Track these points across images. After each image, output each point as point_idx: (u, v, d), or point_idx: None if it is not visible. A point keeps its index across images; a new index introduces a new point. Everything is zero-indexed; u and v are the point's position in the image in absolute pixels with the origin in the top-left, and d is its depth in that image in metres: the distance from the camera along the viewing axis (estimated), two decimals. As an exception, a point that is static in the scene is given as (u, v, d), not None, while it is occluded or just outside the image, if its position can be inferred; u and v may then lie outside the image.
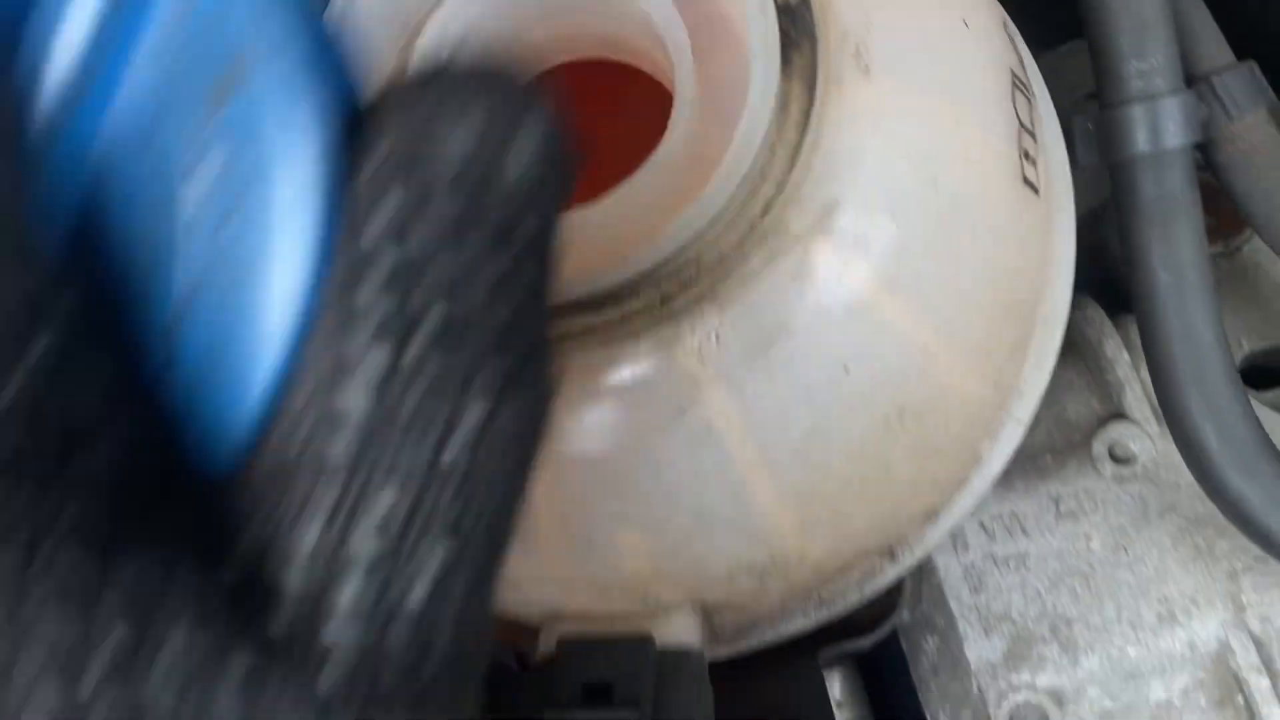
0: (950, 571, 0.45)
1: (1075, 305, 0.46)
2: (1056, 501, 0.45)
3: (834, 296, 0.27)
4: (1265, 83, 0.41)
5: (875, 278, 0.28)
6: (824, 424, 0.29)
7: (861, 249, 0.27)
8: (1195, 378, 0.39)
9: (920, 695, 0.47)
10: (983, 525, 0.45)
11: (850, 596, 0.36)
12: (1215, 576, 0.44)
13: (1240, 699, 0.43)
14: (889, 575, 0.36)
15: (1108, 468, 0.45)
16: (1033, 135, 0.32)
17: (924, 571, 0.45)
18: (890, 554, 0.35)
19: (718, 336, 0.27)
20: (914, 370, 0.29)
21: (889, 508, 0.33)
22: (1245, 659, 0.43)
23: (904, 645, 0.47)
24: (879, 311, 0.28)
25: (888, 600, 0.44)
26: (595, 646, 0.31)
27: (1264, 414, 0.49)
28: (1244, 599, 0.43)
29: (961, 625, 0.44)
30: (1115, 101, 0.39)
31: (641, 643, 0.31)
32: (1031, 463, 0.46)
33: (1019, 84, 0.32)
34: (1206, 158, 0.41)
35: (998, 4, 0.34)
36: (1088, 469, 0.45)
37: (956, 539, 0.45)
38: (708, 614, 0.33)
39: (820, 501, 0.30)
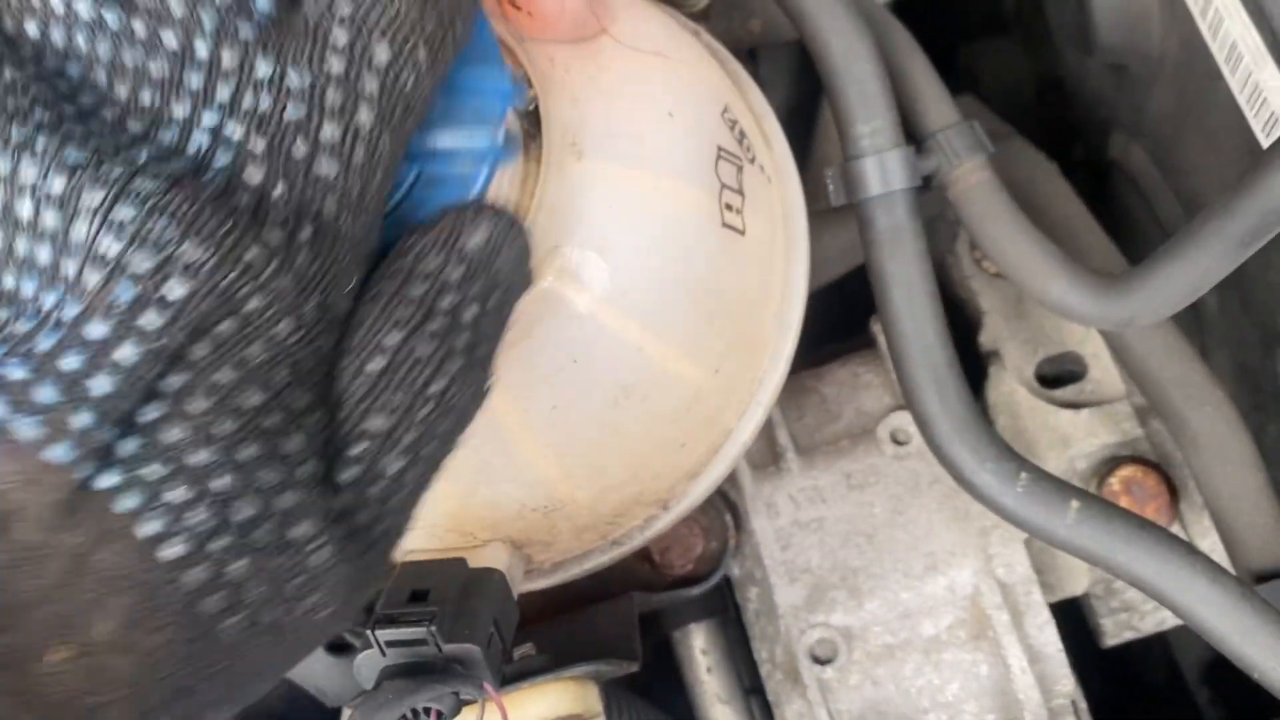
0: (765, 534, 0.56)
1: (873, 319, 0.57)
2: (848, 476, 0.56)
3: (559, 309, 0.39)
4: (984, 137, 0.52)
5: (589, 296, 0.40)
6: (563, 400, 0.40)
7: (577, 277, 0.39)
8: (924, 367, 0.49)
9: (750, 637, 0.57)
10: (791, 496, 0.56)
11: (636, 538, 0.47)
12: (969, 533, 0.54)
13: (991, 633, 0.53)
14: (666, 520, 0.47)
15: (889, 448, 0.55)
16: (738, 192, 0.44)
17: (745, 534, 0.56)
18: (664, 505, 0.47)
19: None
20: (631, 362, 0.41)
21: (648, 466, 0.45)
22: (992, 599, 0.53)
23: (736, 595, 0.58)
24: (596, 319, 0.40)
25: (715, 559, 0.56)
26: (422, 566, 0.43)
27: (1051, 410, 0.59)
28: (991, 551, 0.54)
29: (773, 577, 0.55)
30: (852, 155, 0.50)
31: (455, 563, 0.43)
32: (832, 445, 0.57)
33: (725, 155, 0.43)
34: (943, 194, 0.52)
35: (725, 96, 0.46)
36: (874, 449, 0.56)
37: (769, 507, 0.56)
38: (519, 548, 0.45)
39: (575, 457, 0.42)
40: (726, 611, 0.61)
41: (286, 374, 0.29)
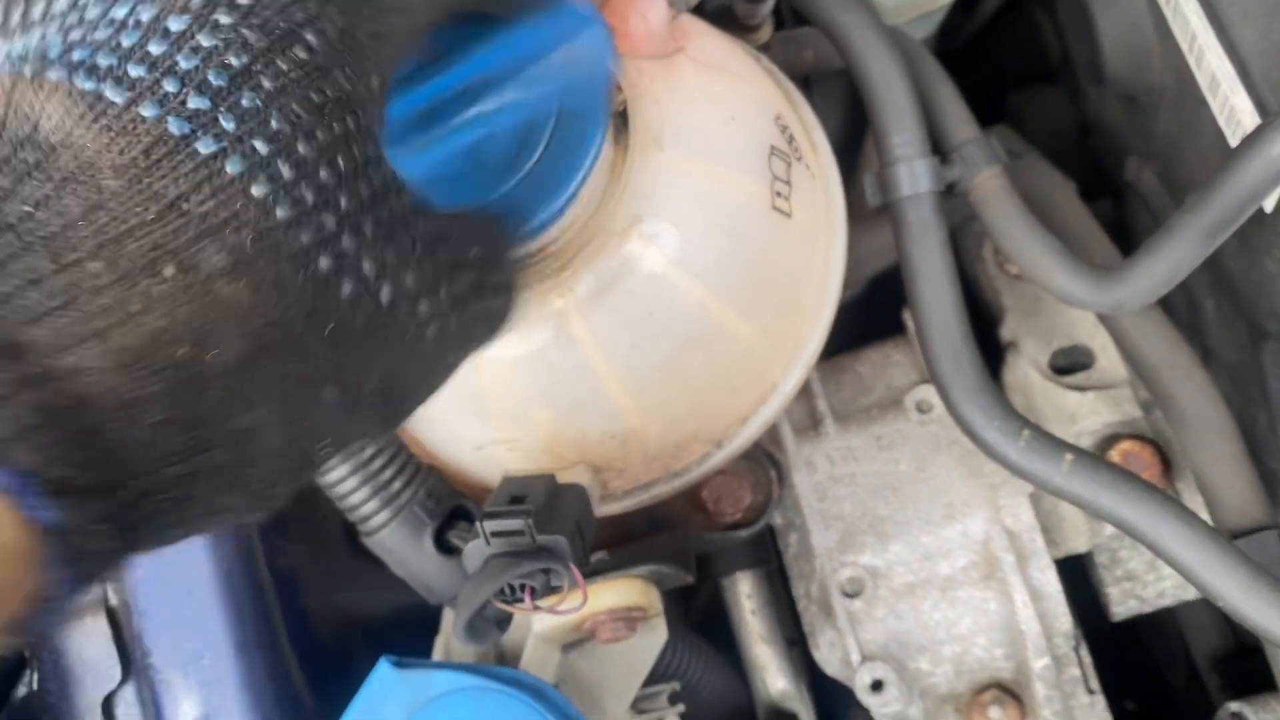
0: (805, 487, 0.65)
1: (904, 308, 0.66)
2: (878, 439, 0.65)
3: (638, 268, 0.49)
4: (1000, 150, 0.61)
5: (664, 259, 0.49)
6: (640, 344, 0.50)
7: (655, 242, 0.49)
8: (943, 339, 0.58)
9: (790, 578, 0.66)
10: (828, 455, 0.65)
11: (694, 471, 0.56)
12: (981, 488, 0.62)
13: (999, 574, 0.61)
14: (719, 457, 0.56)
15: (914, 416, 0.64)
16: (787, 183, 0.53)
17: (786, 488, 0.65)
18: (718, 443, 0.56)
19: (574, 288, 0.49)
20: (695, 316, 0.51)
21: (707, 407, 0.54)
22: (1000, 545, 0.61)
23: (779, 542, 0.67)
24: (668, 279, 0.50)
25: (760, 509, 0.65)
26: (520, 479, 0.53)
27: (1061, 391, 0.67)
28: (1000, 503, 0.62)
29: (811, 524, 0.64)
30: (888, 162, 0.60)
31: (547, 478, 0.52)
32: (865, 413, 0.66)
33: (777, 152, 0.53)
34: (966, 199, 0.62)
35: (778, 107, 0.56)
36: (901, 416, 0.65)
37: (809, 465, 0.65)
38: (598, 472, 0.55)
39: (647, 393, 0.52)
40: (770, 564, 0.70)
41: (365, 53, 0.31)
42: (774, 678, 0.69)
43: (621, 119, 0.50)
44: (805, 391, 0.66)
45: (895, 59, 0.59)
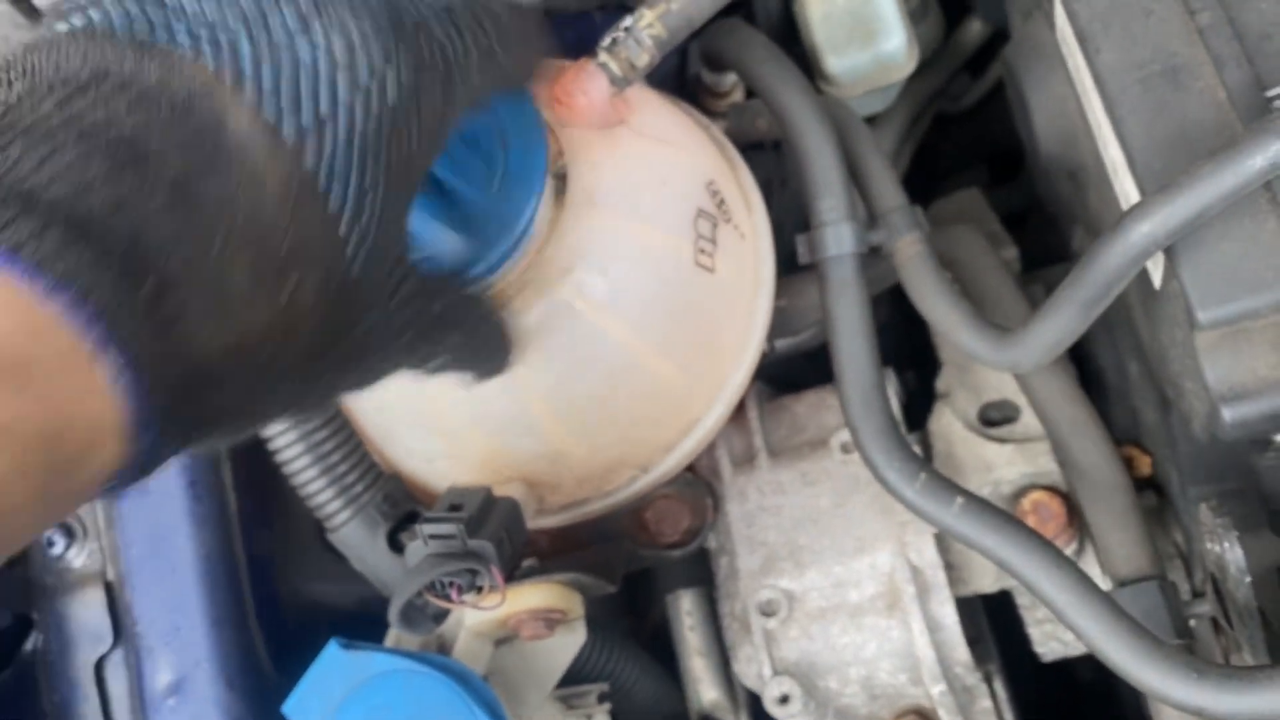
0: (735, 515, 0.71)
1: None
2: (804, 474, 0.71)
3: (569, 311, 0.56)
4: (921, 217, 0.67)
5: (592, 304, 0.57)
6: (568, 377, 0.57)
7: (584, 289, 0.56)
8: (857, 387, 0.64)
9: (718, 597, 0.72)
10: (758, 487, 0.71)
11: (623, 493, 0.63)
12: (891, 524, 0.68)
13: (901, 604, 0.67)
14: (645, 481, 0.63)
15: (838, 455, 0.70)
16: (711, 241, 0.60)
17: (721, 514, 0.72)
18: (644, 469, 0.63)
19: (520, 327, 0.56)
20: (619, 355, 0.58)
21: (631, 435, 0.61)
22: (903, 577, 0.67)
23: (711, 564, 0.73)
24: (596, 322, 0.57)
25: (696, 532, 0.71)
26: (460, 490, 0.60)
27: (981, 442, 0.73)
28: (906, 539, 0.68)
29: (738, 548, 0.70)
30: (815, 224, 0.66)
31: (483, 490, 0.59)
32: (796, 451, 0.72)
33: (704, 215, 0.60)
34: (889, 260, 0.68)
35: (713, 173, 0.63)
36: (826, 455, 0.71)
37: (741, 494, 0.71)
38: (533, 488, 0.62)
39: (575, 421, 0.59)
40: (709, 584, 0.76)
41: None
42: (707, 689, 0.75)
43: (562, 180, 0.57)
44: (744, 428, 0.73)
45: (827, 130, 0.65)
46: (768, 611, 0.68)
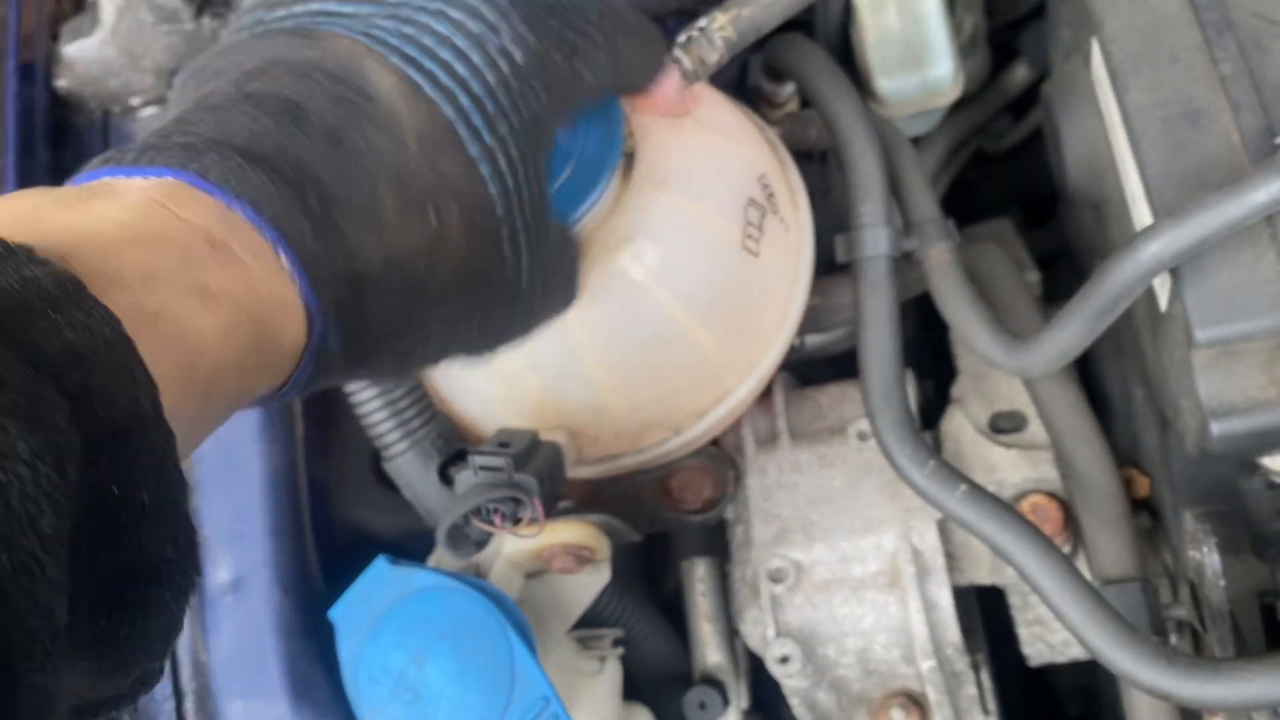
0: (754, 489, 0.77)
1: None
2: (822, 457, 0.76)
3: (625, 276, 0.62)
4: (953, 229, 0.73)
5: (646, 272, 0.63)
6: (619, 335, 0.63)
7: (641, 258, 0.62)
8: (879, 377, 0.70)
9: (731, 564, 0.78)
10: (778, 465, 0.77)
11: (655, 452, 0.69)
12: (899, 509, 0.73)
13: (901, 582, 0.72)
14: (675, 443, 0.69)
15: (854, 442, 0.76)
16: (758, 229, 0.66)
17: (741, 488, 0.77)
18: (677, 431, 0.69)
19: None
20: (665, 321, 0.64)
21: (669, 398, 0.67)
22: (905, 558, 0.72)
23: (727, 533, 0.78)
24: (647, 288, 0.63)
25: (716, 502, 0.77)
26: (510, 431, 0.66)
27: (988, 445, 0.78)
28: (911, 524, 0.73)
29: (754, 519, 0.76)
30: (854, 226, 0.72)
31: (531, 433, 0.65)
32: (816, 436, 0.78)
33: (754, 204, 0.66)
34: (920, 266, 0.73)
35: (765, 168, 0.69)
36: (844, 442, 0.76)
37: (761, 470, 0.77)
38: (575, 437, 0.67)
39: (620, 375, 0.65)
40: (722, 555, 0.82)
41: None
42: (712, 652, 0.80)
43: (630, 159, 0.63)
44: (769, 410, 0.78)
45: (873, 140, 0.71)
46: (776, 578, 0.73)
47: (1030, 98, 1.04)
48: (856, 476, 0.75)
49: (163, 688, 0.68)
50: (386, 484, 0.73)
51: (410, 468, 0.68)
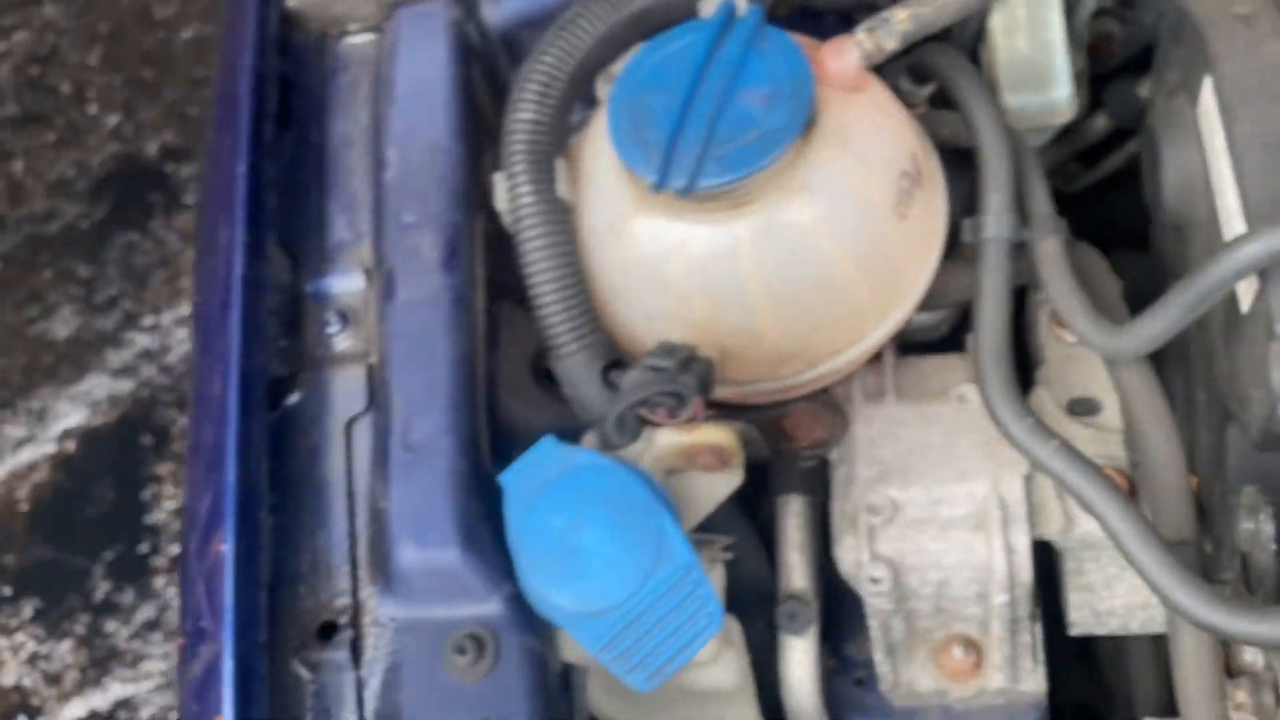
0: (861, 435, 0.87)
1: (968, 335, 0.88)
2: (923, 414, 0.86)
3: (797, 219, 0.73)
4: (1064, 226, 0.84)
5: (815, 215, 0.73)
6: (783, 269, 0.74)
7: (812, 205, 0.73)
8: (990, 345, 0.80)
9: (831, 499, 0.88)
10: (884, 417, 0.87)
11: (789, 380, 0.79)
12: (990, 465, 0.83)
13: (987, 525, 0.82)
14: (809, 375, 0.79)
15: (954, 404, 0.86)
16: (908, 197, 0.77)
17: (848, 435, 0.87)
18: (811, 364, 0.79)
19: (752, 218, 0.73)
20: (826, 267, 0.74)
21: (814, 333, 0.77)
22: (992, 504, 0.82)
23: (830, 474, 0.88)
24: (814, 231, 0.73)
25: (824, 444, 0.87)
26: (672, 344, 0.76)
27: (1065, 422, 0.88)
28: (1000, 477, 0.83)
29: (859, 460, 0.86)
30: (982, 211, 0.83)
31: (691, 347, 0.75)
32: (918, 396, 0.88)
33: (906, 175, 0.77)
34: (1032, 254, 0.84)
35: (914, 149, 0.79)
36: (944, 403, 0.86)
37: (868, 419, 0.87)
38: (724, 359, 0.78)
39: (779, 306, 0.75)
40: (819, 496, 0.91)
41: None
42: (798, 578, 0.90)
43: (811, 122, 0.74)
44: (878, 370, 0.89)
45: (1007, 139, 0.82)
46: (875, 512, 0.83)
47: (1104, 146, 1.14)
48: (954, 433, 0.85)
49: (338, 528, 0.78)
50: (541, 382, 0.83)
51: (576, 367, 0.78)
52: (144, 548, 2.14)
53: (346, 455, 0.79)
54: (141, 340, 2.30)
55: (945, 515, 0.83)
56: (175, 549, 2.12)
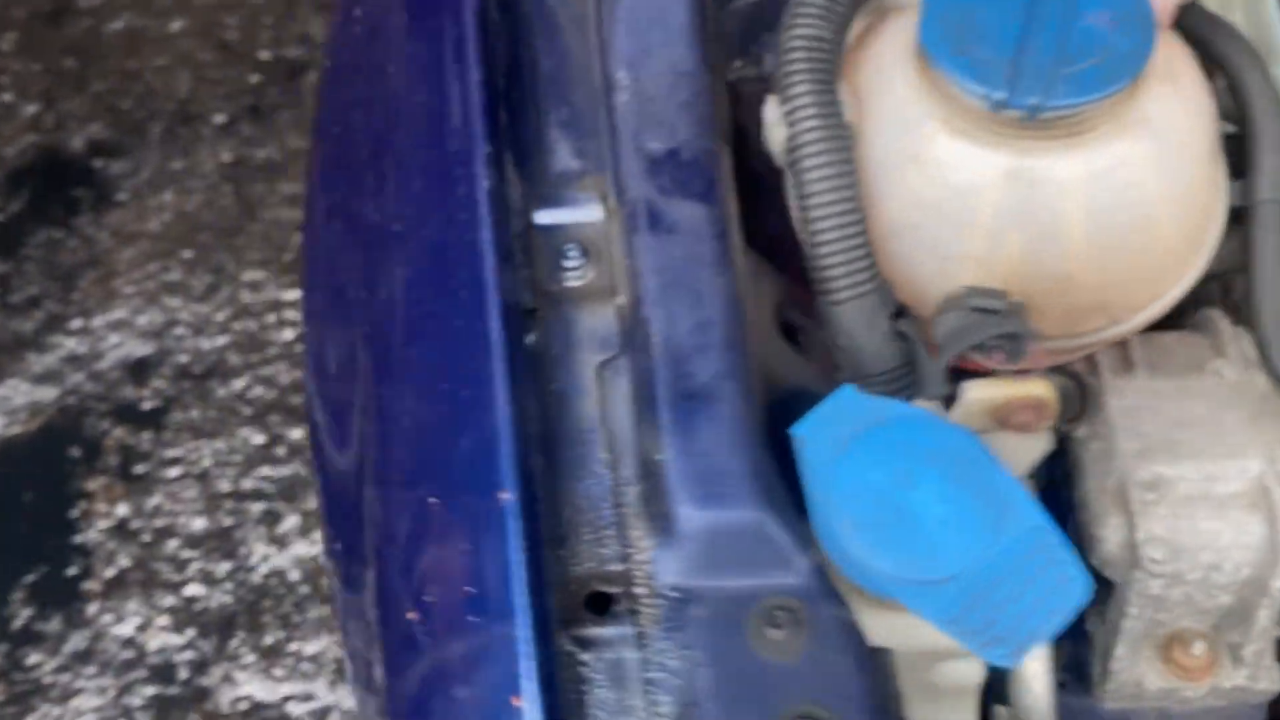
0: (1115, 408, 0.81)
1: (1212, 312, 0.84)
2: (1180, 388, 0.81)
3: (1128, 156, 0.68)
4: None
5: (1146, 157, 0.68)
6: (1108, 207, 0.68)
7: (1144, 144, 0.68)
8: (1274, 311, 0.76)
9: (1084, 475, 0.81)
10: (1138, 390, 0.81)
11: (1089, 338, 0.73)
12: (1262, 441, 0.79)
13: (1264, 504, 0.77)
14: (1112, 333, 0.73)
15: (1211, 379, 0.81)
16: (1216, 157, 0.73)
17: (1095, 409, 0.81)
18: (1115, 321, 0.73)
19: (1084, 149, 0.67)
20: (1151, 207, 0.69)
21: (1125, 283, 0.71)
22: (1271, 481, 0.77)
23: (1079, 450, 0.82)
24: (1144, 171, 0.68)
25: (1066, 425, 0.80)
26: (980, 289, 0.69)
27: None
28: (1275, 454, 0.78)
29: (1118, 433, 0.80)
30: (1256, 173, 0.78)
31: (1001, 292, 0.68)
32: (1169, 370, 0.83)
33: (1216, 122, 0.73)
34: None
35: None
36: (1201, 377, 0.82)
37: (1120, 391, 0.81)
38: (1028, 310, 0.71)
39: (1096, 250, 0.69)
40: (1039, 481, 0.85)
41: None
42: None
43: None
44: (1124, 342, 0.83)
45: (1278, 106, 0.79)
46: (1148, 487, 0.77)
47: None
48: (1217, 408, 0.80)
49: (599, 484, 0.67)
50: (788, 337, 0.75)
51: (861, 313, 0.70)
52: (73, 570, 1.93)
53: (600, 402, 0.69)
54: (68, 344, 2.11)
55: (1220, 492, 0.78)
56: (111, 572, 1.92)
